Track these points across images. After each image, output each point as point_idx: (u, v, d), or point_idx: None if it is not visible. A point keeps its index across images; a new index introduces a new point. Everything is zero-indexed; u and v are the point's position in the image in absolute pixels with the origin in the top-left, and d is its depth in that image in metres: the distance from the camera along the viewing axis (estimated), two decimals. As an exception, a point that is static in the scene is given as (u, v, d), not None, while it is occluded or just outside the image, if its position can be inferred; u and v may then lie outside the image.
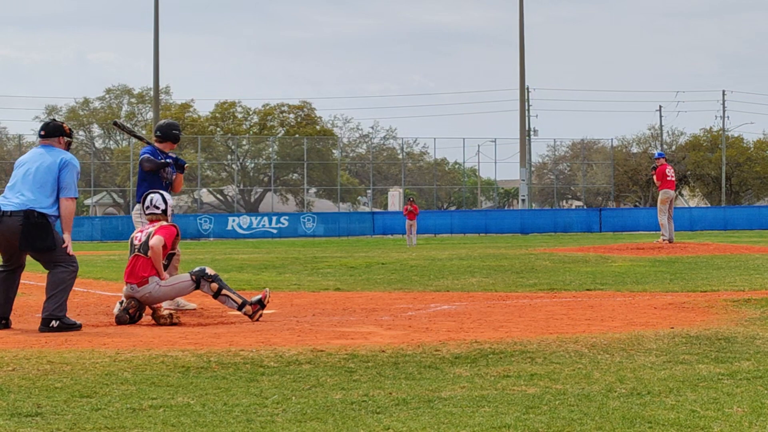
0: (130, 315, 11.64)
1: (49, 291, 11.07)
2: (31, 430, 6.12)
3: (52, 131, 11.61)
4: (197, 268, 11.95)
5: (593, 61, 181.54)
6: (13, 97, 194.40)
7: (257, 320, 11.73)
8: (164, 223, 12.17)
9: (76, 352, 8.84)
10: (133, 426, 6.22)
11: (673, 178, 28.02)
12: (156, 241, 11.79)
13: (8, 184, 11.38)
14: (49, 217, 11.04)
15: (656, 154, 29.03)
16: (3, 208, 11.03)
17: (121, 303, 11.83)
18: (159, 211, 12.33)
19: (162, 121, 14.06)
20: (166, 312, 11.79)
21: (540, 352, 8.81)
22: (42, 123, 11.83)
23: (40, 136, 11.66)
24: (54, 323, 10.86)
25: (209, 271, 11.94)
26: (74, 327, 10.95)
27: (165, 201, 12.39)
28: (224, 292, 11.86)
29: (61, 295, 11.06)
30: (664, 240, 27.26)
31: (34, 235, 10.97)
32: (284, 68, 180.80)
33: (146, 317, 11.87)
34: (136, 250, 11.95)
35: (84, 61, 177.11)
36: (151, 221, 12.31)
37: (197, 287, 11.86)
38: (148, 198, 12.45)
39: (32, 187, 11.12)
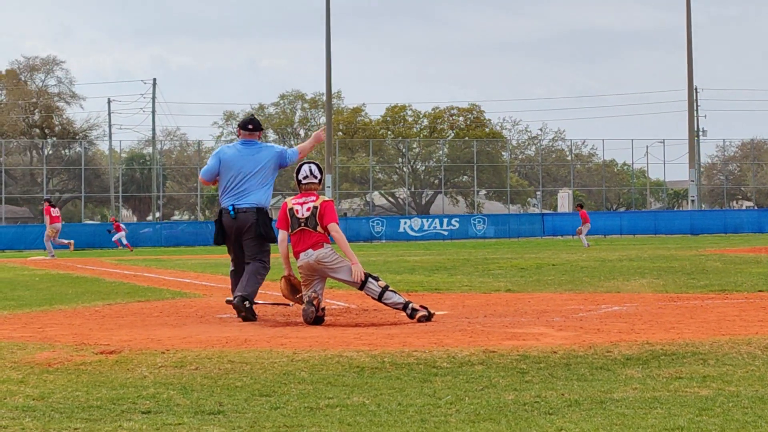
0: (315, 306, 11.72)
1: (249, 276, 12.41)
2: (214, 428, 6.31)
3: (258, 126, 13.11)
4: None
5: (762, 60, 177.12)
6: (192, 104, 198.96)
7: (417, 320, 11.73)
8: (324, 197, 12.11)
9: (255, 351, 9.07)
10: (311, 425, 6.36)
11: None
12: (336, 227, 11.93)
13: (231, 183, 12.74)
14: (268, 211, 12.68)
15: None
16: (238, 206, 12.57)
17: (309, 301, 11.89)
18: (317, 181, 12.26)
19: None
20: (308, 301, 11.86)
21: (712, 354, 8.74)
22: (247, 117, 12.96)
23: (248, 129, 12.94)
24: (247, 303, 12.11)
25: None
26: (254, 317, 12.15)
27: (320, 170, 12.36)
28: (389, 289, 11.92)
29: (257, 283, 12.45)
30: None
31: (264, 225, 12.61)
32: (452, 72, 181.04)
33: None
34: (302, 225, 11.96)
35: (256, 68, 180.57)
36: (309, 191, 12.18)
37: (365, 283, 11.91)
38: (305, 168, 12.29)
39: (257, 186, 12.73)
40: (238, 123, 13.22)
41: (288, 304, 13.34)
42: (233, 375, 8.05)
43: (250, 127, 12.98)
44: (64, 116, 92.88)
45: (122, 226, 56.08)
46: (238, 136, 13.19)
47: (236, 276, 12.82)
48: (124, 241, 53.39)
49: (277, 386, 7.59)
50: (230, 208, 12.64)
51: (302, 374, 8.06)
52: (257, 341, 10.00)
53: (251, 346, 9.60)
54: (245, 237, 12.64)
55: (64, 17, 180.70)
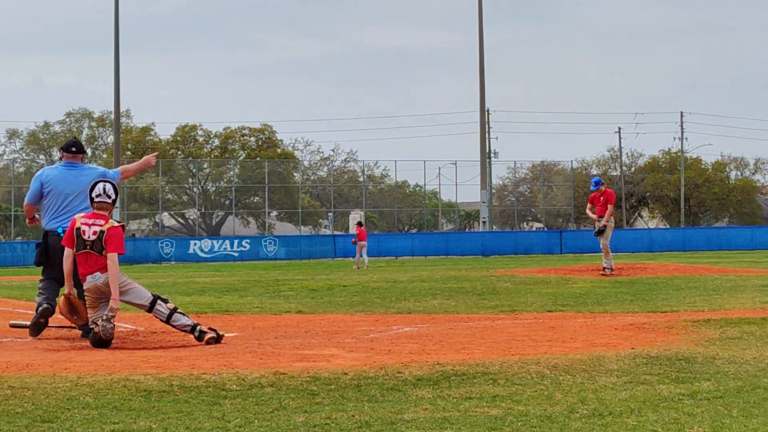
0: (113, 324, 11.49)
1: None
2: (-8, 456, 6.09)
3: (81, 148, 13.35)
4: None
5: (552, 83, 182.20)
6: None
7: (206, 342, 11.59)
8: (113, 222, 11.83)
9: (37, 376, 8.80)
10: (96, 451, 6.19)
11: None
12: (114, 258, 11.65)
13: (54, 206, 12.90)
14: None
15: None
16: (59, 231, 12.47)
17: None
18: (110, 201, 11.99)
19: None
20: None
21: (502, 374, 8.84)
22: (70, 139, 13.20)
23: (71, 152, 13.17)
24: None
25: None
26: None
27: (116, 191, 12.15)
28: (178, 311, 11.81)
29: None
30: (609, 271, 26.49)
31: None
32: (245, 91, 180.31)
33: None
34: (88, 247, 11.69)
35: (41, 84, 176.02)
36: (100, 210, 11.91)
37: (153, 305, 11.74)
38: (99, 186, 12.06)
39: (81, 207, 12.59)
40: (61, 146, 13.61)
41: (75, 327, 13.03)
42: (14, 401, 7.77)
43: (74, 149, 13.29)
44: None
45: None
46: (61, 159, 13.44)
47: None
48: None
49: (60, 412, 7.36)
50: (59, 230, 12.62)
51: (87, 399, 7.84)
52: (40, 365, 9.72)
53: (33, 370, 9.32)
54: None
55: None
